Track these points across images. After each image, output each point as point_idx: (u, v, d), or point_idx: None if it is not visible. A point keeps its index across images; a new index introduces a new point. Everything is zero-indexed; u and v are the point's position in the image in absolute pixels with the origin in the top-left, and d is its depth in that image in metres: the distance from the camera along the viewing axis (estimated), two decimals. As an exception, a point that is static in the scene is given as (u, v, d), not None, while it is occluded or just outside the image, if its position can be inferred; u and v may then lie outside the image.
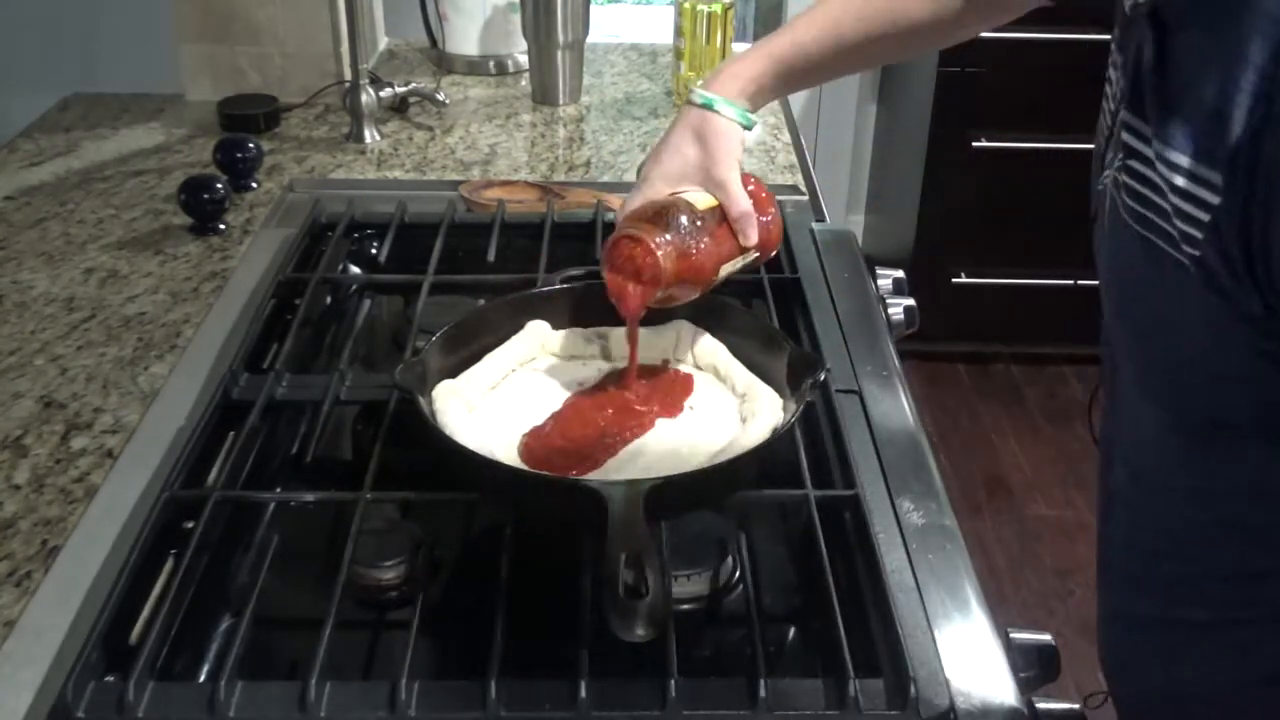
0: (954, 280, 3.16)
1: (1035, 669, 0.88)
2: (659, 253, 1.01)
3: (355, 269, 1.45)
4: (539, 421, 1.02)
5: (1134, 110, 0.75)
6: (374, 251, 1.43)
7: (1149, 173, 0.73)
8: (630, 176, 1.68)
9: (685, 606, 0.96)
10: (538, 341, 1.12)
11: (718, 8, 1.89)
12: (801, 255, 1.39)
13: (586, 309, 1.14)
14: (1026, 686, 0.86)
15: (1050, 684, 0.89)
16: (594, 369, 1.11)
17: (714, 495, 0.96)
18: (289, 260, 1.35)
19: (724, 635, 0.94)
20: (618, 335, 1.12)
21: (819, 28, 1.09)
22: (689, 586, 0.96)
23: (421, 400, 0.99)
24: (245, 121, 1.82)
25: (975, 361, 3.37)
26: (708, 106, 1.08)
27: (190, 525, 0.94)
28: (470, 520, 1.04)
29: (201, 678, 0.89)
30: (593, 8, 1.96)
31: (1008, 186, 2.95)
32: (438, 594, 0.97)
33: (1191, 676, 0.93)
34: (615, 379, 1.09)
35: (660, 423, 1.03)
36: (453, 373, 1.06)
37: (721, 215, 1.07)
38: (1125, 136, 0.76)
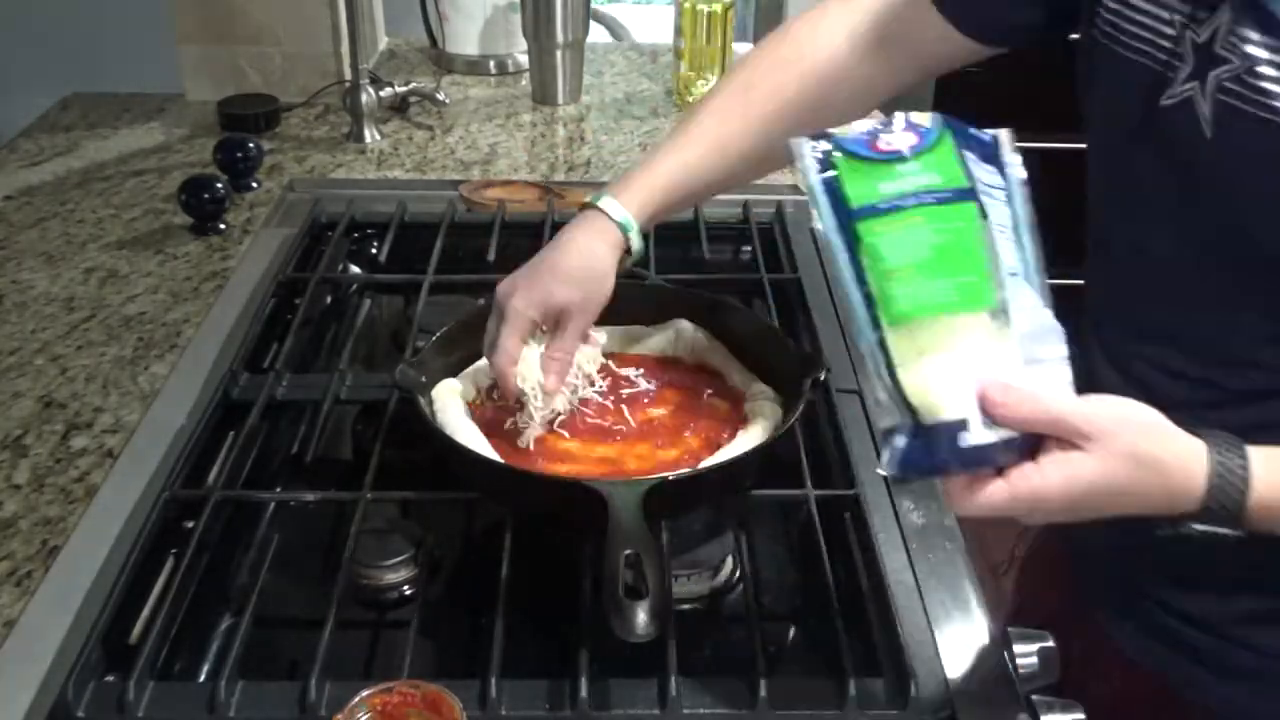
0: (954, 280, 3.16)
1: (1035, 669, 0.88)
2: None
3: (355, 269, 1.45)
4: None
5: (1258, 24, 0.75)
6: (374, 251, 1.43)
7: None
8: (630, 176, 1.68)
9: (685, 606, 0.96)
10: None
11: (718, 7, 1.88)
12: (801, 255, 1.39)
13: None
14: (1026, 686, 0.86)
15: (1050, 684, 0.88)
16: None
17: (714, 495, 0.96)
18: (289, 260, 1.36)
19: (724, 635, 0.94)
20: (619, 333, 1.12)
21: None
22: (689, 586, 0.96)
23: (421, 400, 1.00)
24: (245, 121, 1.82)
25: (975, 361, 3.37)
26: (625, 230, 1.00)
27: (190, 525, 0.94)
28: (470, 520, 1.04)
29: (201, 678, 0.89)
30: (593, 7, 1.96)
31: (1008, 186, 2.95)
32: (438, 594, 0.97)
33: None
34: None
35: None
36: (453, 372, 1.06)
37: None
38: (1243, 46, 0.75)
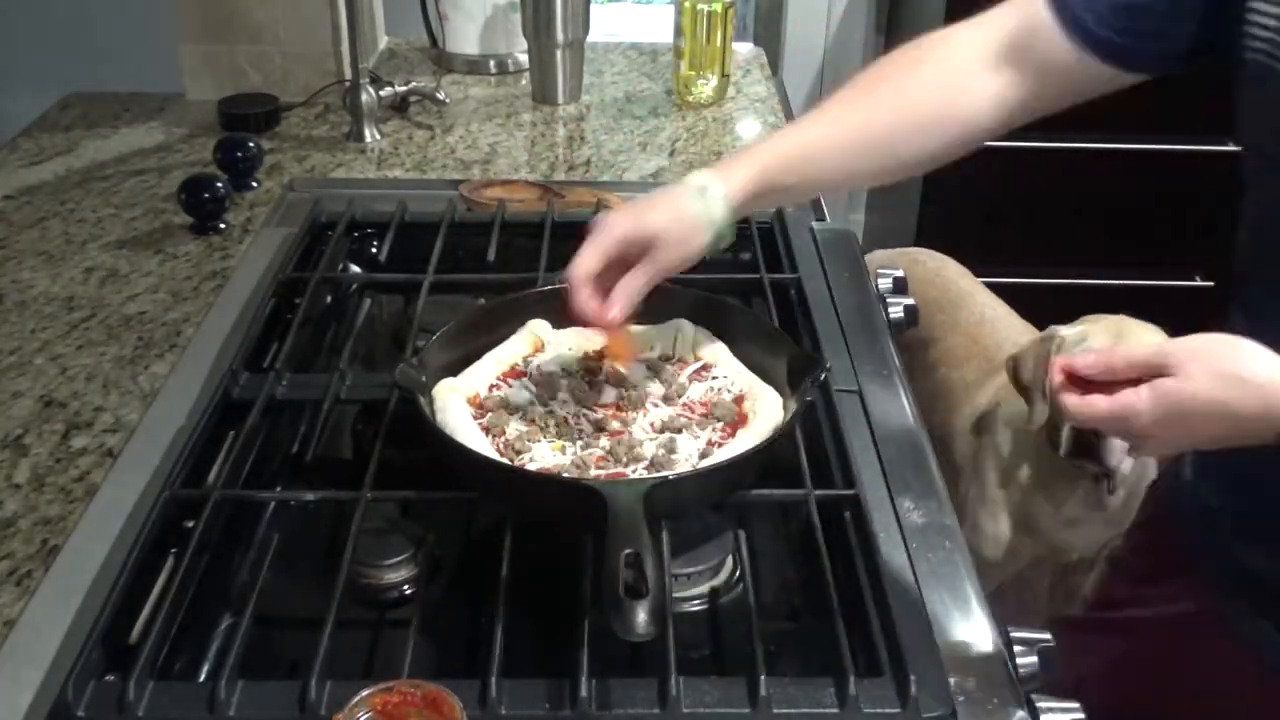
0: (954, 280, 3.16)
1: (1035, 668, 0.88)
2: None
3: (355, 268, 1.45)
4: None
5: None
6: (374, 251, 1.43)
7: None
8: (630, 175, 1.68)
9: (685, 606, 0.96)
10: (538, 340, 1.12)
11: (718, 6, 1.88)
12: (801, 255, 1.39)
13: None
14: (1026, 686, 0.86)
15: (1050, 683, 0.89)
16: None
17: (714, 495, 0.96)
18: (289, 259, 1.35)
19: (724, 635, 0.94)
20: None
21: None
22: (689, 586, 0.96)
23: (422, 399, 1.00)
24: (245, 121, 1.82)
25: (975, 361, 3.36)
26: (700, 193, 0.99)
27: (190, 525, 0.94)
28: (470, 520, 1.04)
29: (201, 677, 0.89)
30: (593, 7, 1.96)
31: (1008, 186, 2.95)
32: (438, 594, 0.97)
33: None
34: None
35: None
36: (453, 372, 1.06)
37: None
38: None
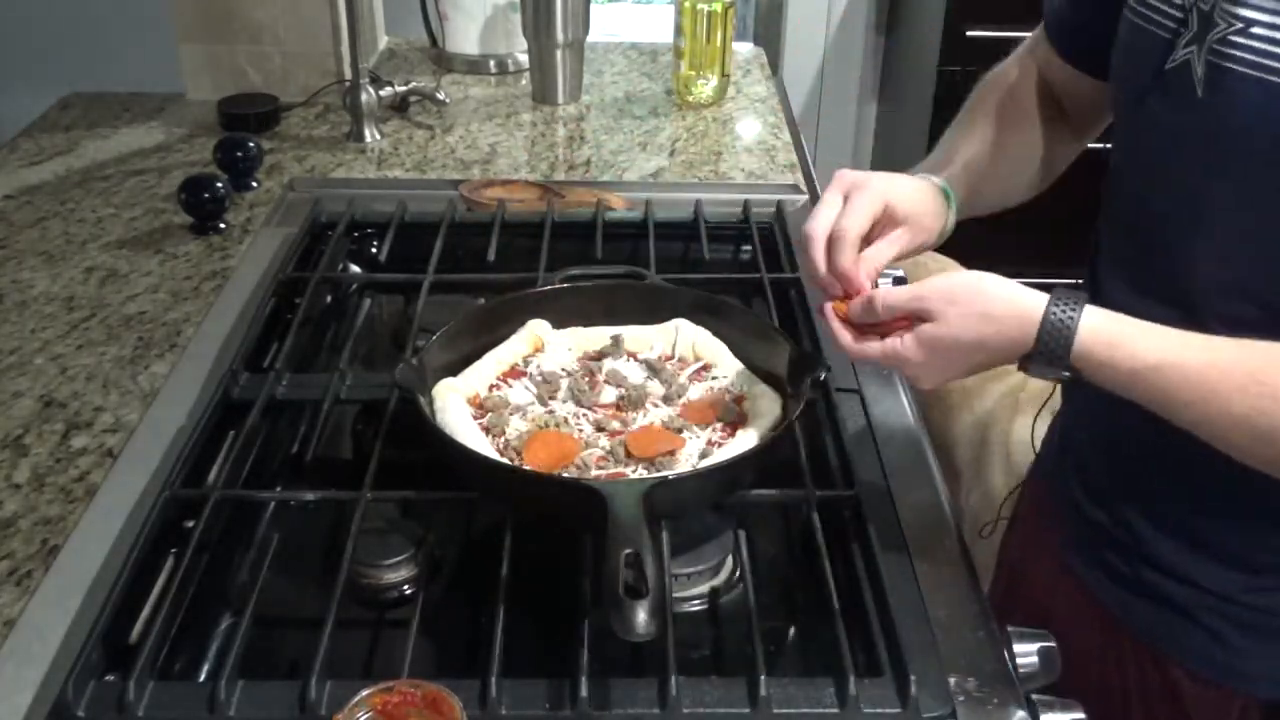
0: (954, 279, 3.15)
1: (1035, 668, 0.88)
2: None
3: (355, 268, 1.45)
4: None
5: None
6: (374, 251, 1.43)
7: None
8: (630, 175, 1.68)
9: (685, 606, 0.96)
10: (538, 340, 1.12)
11: (718, 6, 1.88)
12: (802, 255, 1.39)
13: (587, 308, 1.14)
14: (1026, 686, 0.86)
15: (1050, 683, 0.89)
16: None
17: (714, 495, 0.96)
18: (289, 259, 1.35)
19: (724, 635, 0.94)
20: (619, 332, 1.13)
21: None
22: (689, 586, 0.96)
23: (422, 399, 1.00)
24: (245, 121, 1.82)
25: (975, 361, 3.36)
26: (948, 198, 1.03)
27: (190, 524, 0.94)
28: (470, 520, 1.04)
29: (201, 677, 0.89)
30: (593, 7, 1.96)
31: (1008, 186, 2.95)
32: (438, 594, 0.97)
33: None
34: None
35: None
36: (453, 371, 1.06)
37: None
38: (1237, 9, 0.81)
